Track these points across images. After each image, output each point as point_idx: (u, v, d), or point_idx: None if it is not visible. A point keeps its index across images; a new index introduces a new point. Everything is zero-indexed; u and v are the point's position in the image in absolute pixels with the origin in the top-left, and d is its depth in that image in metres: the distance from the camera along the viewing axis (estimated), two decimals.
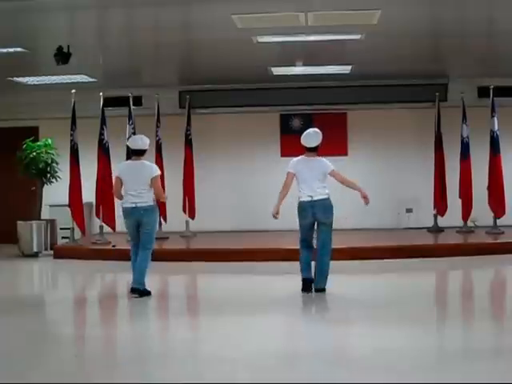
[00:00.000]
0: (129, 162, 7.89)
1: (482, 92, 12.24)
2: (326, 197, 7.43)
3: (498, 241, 11.06)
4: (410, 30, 9.02)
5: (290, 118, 13.45)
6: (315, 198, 7.38)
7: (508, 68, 11.35)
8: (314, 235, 7.60)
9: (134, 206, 7.48)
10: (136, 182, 7.51)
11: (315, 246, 7.57)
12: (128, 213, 7.55)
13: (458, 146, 11.89)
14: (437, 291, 8.69)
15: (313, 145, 7.51)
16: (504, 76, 11.99)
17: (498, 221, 11.67)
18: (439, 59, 11.45)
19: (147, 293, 7.50)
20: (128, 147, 11.33)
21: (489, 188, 11.65)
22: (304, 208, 7.44)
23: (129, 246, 7.91)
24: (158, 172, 7.65)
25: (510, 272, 9.48)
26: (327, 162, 7.53)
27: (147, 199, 7.51)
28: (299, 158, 7.61)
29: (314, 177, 7.42)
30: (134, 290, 7.48)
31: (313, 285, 7.48)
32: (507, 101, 12.21)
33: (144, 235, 7.53)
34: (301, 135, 7.63)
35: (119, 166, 7.96)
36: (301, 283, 7.49)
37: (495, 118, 11.65)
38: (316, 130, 7.63)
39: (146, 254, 7.55)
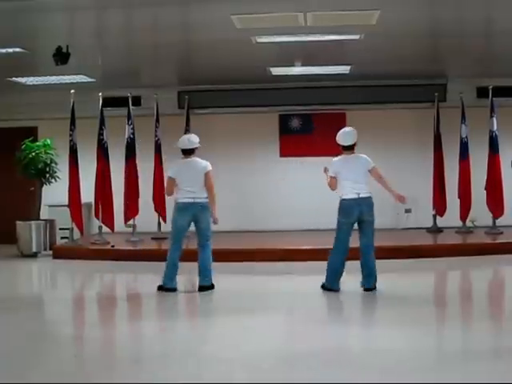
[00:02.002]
0: (181, 161, 7.91)
1: (481, 92, 12.24)
2: (369, 195, 7.49)
3: (497, 241, 11.05)
4: (409, 31, 9.02)
5: (289, 118, 13.41)
6: (361, 196, 7.42)
7: (507, 68, 11.34)
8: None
9: (192, 201, 7.60)
10: (192, 179, 7.63)
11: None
12: (185, 208, 7.63)
13: (457, 146, 11.88)
14: (436, 291, 8.69)
15: (349, 143, 7.53)
16: (503, 76, 11.98)
17: (497, 221, 11.67)
18: (438, 59, 11.44)
19: (212, 287, 7.78)
20: (127, 147, 11.55)
21: (487, 188, 11.65)
22: (349, 205, 7.41)
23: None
24: (211, 167, 7.76)
25: (509, 272, 9.48)
26: (368, 159, 7.58)
27: (203, 195, 7.65)
28: (339, 158, 7.60)
29: (358, 174, 7.45)
30: (202, 288, 7.74)
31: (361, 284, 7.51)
32: (506, 101, 12.21)
33: (202, 231, 7.76)
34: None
35: (172, 167, 7.98)
36: (321, 288, 7.57)
37: (494, 118, 11.66)
38: (352, 128, 7.72)
39: (209, 249, 7.85)
